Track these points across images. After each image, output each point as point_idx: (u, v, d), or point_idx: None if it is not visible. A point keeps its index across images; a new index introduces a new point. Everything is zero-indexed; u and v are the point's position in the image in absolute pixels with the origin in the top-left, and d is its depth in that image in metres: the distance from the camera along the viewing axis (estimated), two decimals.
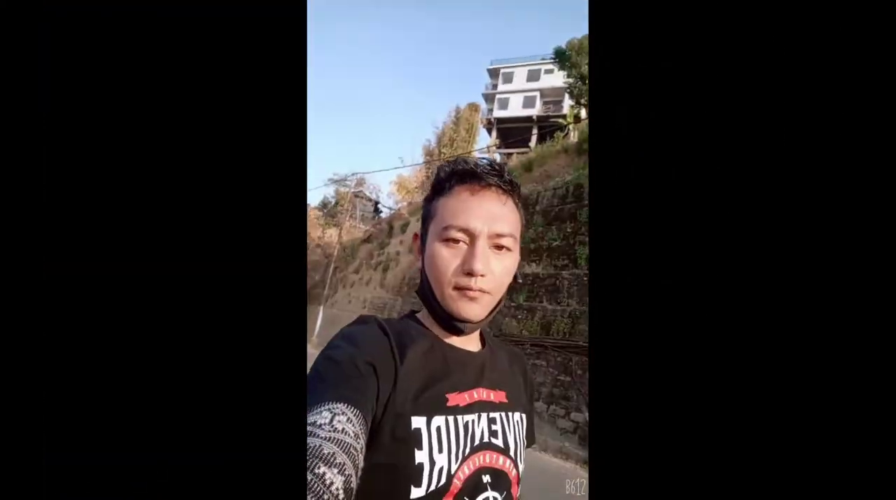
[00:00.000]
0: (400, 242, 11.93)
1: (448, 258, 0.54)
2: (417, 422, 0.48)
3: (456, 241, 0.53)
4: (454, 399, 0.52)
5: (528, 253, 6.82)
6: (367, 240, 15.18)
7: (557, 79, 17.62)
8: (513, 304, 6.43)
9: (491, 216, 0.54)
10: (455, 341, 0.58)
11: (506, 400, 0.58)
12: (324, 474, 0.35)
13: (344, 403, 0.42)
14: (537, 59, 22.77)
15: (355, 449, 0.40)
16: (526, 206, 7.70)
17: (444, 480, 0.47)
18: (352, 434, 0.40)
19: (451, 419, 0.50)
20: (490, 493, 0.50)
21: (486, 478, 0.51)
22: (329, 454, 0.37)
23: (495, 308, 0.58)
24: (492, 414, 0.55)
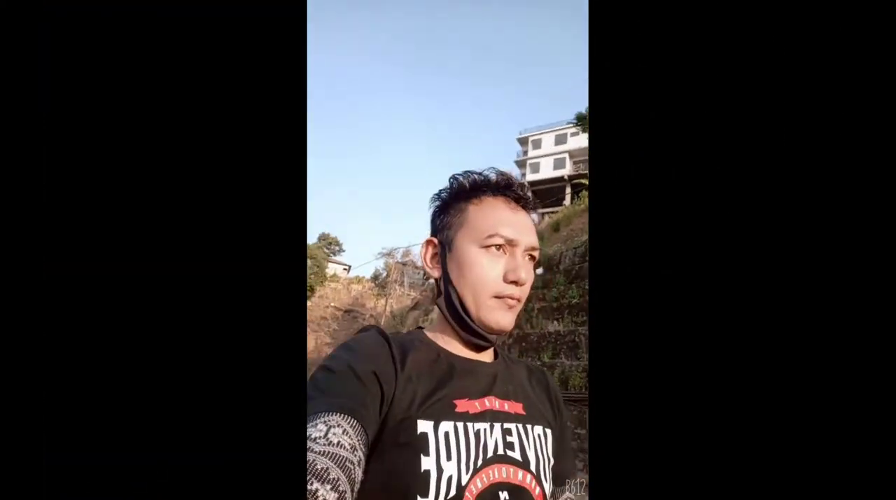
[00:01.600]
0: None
1: (489, 266, 0.53)
2: (424, 426, 0.46)
3: (498, 247, 0.53)
4: (463, 406, 0.49)
5: (551, 312, 7.11)
6: (414, 307, 15.88)
7: (583, 140, 18.48)
8: (539, 362, 6.63)
9: (529, 229, 0.55)
10: (467, 353, 0.56)
11: (523, 412, 0.54)
12: (317, 490, 0.35)
13: (340, 414, 0.42)
14: (563, 124, 24.07)
15: (351, 462, 0.39)
16: (550, 266, 8.05)
17: (453, 491, 0.44)
18: (348, 447, 0.40)
19: (460, 425, 0.47)
20: None
21: (504, 495, 0.46)
22: (322, 469, 0.36)
23: None
24: (506, 425, 0.51)
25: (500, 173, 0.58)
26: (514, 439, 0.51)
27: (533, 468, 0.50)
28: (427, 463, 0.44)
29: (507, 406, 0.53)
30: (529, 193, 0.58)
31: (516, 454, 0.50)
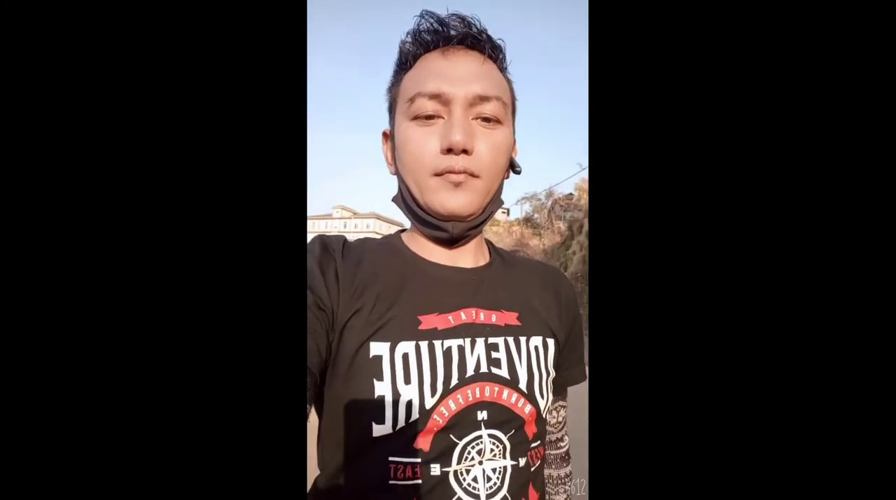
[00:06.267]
0: (577, 243, 14.51)
1: (422, 139, 0.43)
2: (378, 349, 0.41)
3: (429, 117, 0.43)
4: (431, 322, 0.43)
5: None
6: (563, 243, 18.28)
7: None
8: None
9: (468, 76, 0.43)
10: (441, 257, 0.48)
11: (517, 323, 0.47)
12: None
13: None
14: None
15: None
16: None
17: (415, 415, 0.40)
18: None
19: (424, 344, 0.42)
20: (485, 431, 0.42)
21: (482, 414, 0.42)
22: None
23: (490, 202, 0.46)
24: (491, 340, 0.45)
25: (429, 15, 0.45)
26: (500, 354, 0.45)
27: (523, 385, 0.45)
28: (381, 388, 0.40)
29: (495, 318, 0.46)
30: (470, 30, 0.45)
31: (503, 372, 0.44)
